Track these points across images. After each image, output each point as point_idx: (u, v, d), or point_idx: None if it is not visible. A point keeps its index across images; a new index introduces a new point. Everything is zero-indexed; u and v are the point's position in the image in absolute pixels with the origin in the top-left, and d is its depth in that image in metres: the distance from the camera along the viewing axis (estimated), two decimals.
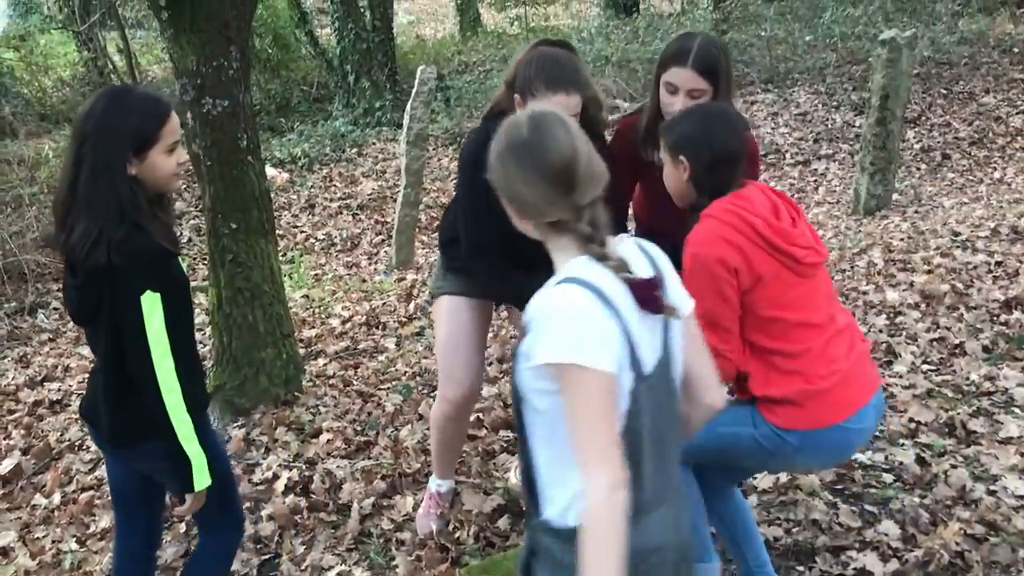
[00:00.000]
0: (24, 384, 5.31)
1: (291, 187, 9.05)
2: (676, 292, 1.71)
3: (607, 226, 1.61)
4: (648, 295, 1.57)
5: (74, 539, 3.39)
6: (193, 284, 6.66)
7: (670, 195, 2.32)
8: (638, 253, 1.69)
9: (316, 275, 6.75)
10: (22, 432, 4.59)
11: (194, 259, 7.32)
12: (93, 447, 4.25)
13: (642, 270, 1.63)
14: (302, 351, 4.61)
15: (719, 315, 2.10)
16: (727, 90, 2.60)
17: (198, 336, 5.59)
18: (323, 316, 5.57)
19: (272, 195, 6.82)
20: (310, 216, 8.42)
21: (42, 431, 4.56)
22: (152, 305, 2.02)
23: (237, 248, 3.89)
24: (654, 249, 1.74)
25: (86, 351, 5.74)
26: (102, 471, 3.93)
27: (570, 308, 1.51)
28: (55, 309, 6.42)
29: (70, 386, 5.21)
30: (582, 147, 1.58)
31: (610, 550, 1.43)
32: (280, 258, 4.60)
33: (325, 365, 4.65)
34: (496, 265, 2.59)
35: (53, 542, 3.40)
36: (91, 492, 3.71)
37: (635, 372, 1.54)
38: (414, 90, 6.63)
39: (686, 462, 2.15)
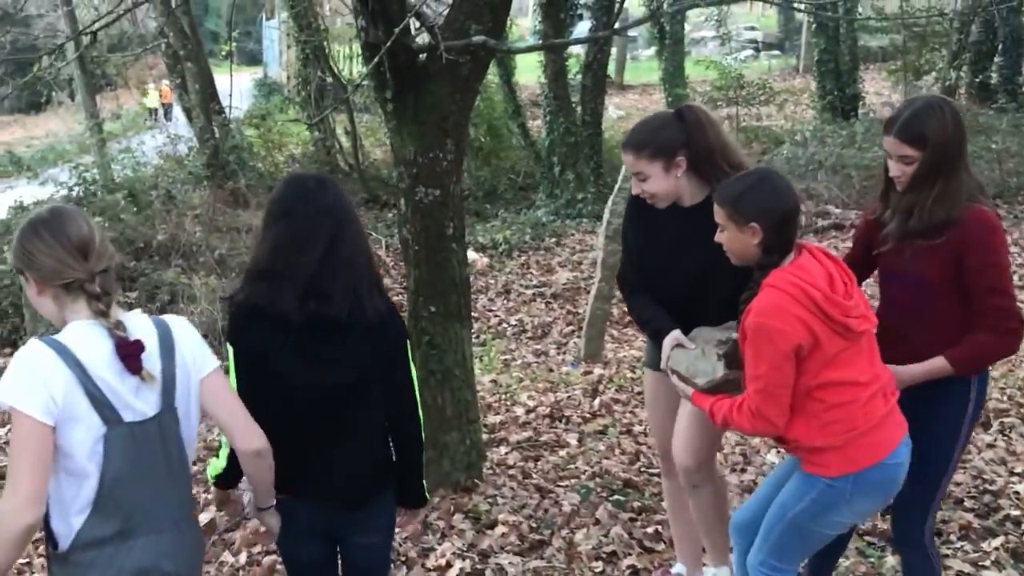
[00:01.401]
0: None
1: (490, 271, 9.28)
2: (184, 360, 2.02)
3: (114, 294, 1.97)
4: (126, 355, 1.89)
5: None
6: None
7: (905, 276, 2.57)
8: (149, 325, 2.02)
9: (505, 360, 6.82)
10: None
11: None
12: None
13: (142, 336, 1.95)
14: (485, 437, 4.62)
15: (773, 383, 2.28)
16: (947, 158, 2.46)
17: None
18: (508, 403, 5.60)
19: (471, 278, 7.01)
20: (505, 301, 8.58)
21: (238, 489, 4.79)
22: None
23: (434, 331, 3.99)
24: (176, 328, 2.06)
25: None
26: None
27: (23, 359, 1.85)
28: None
29: None
30: (95, 229, 1.97)
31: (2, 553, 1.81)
32: (472, 340, 4.67)
33: (507, 454, 4.64)
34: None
35: None
36: (274, 556, 3.83)
37: (105, 420, 1.88)
38: (617, 185, 6.67)
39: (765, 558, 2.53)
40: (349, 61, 19.01)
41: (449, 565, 3.49)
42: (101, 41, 9.62)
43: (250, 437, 2.11)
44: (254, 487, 2.26)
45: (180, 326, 2.10)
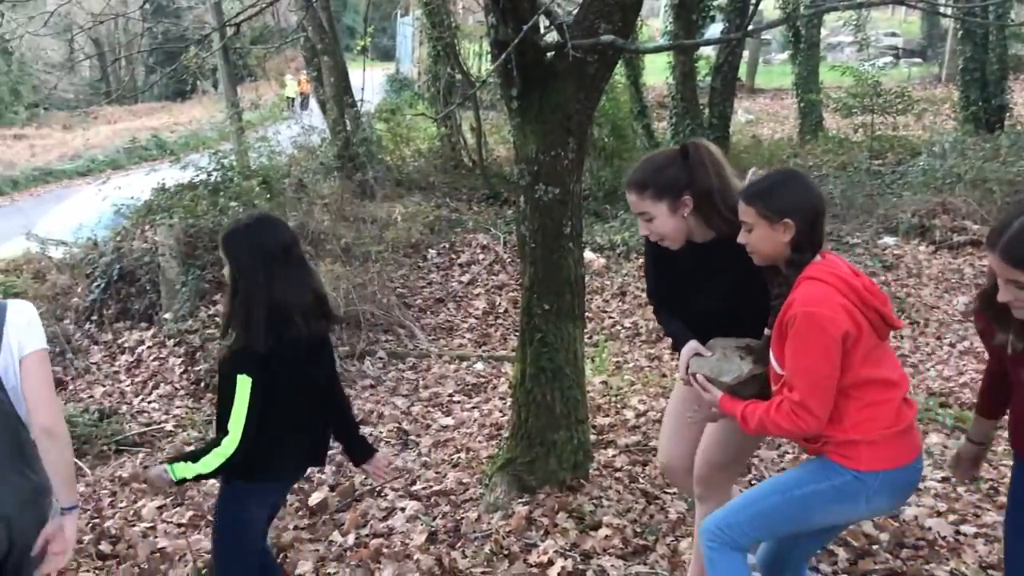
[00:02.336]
0: None
1: (606, 272, 9.24)
2: (9, 342, 2.31)
3: None
4: None
5: None
6: (501, 353, 6.96)
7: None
8: None
9: (617, 363, 6.78)
10: (333, 469, 4.98)
11: (507, 329, 7.66)
12: (390, 494, 4.52)
13: None
14: (593, 438, 4.61)
15: (821, 373, 2.25)
16: None
17: (499, 405, 5.82)
18: (618, 406, 5.56)
19: (587, 279, 7.00)
20: (620, 303, 8.52)
21: (349, 471, 4.92)
22: None
23: (547, 328, 4.00)
24: (9, 312, 2.35)
25: (400, 401, 6.16)
26: (393, 520, 4.15)
27: None
28: (380, 358, 6.98)
29: (380, 432, 5.60)
30: None
31: None
32: (585, 341, 4.66)
33: (614, 456, 4.61)
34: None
35: None
36: (381, 540, 3.92)
37: None
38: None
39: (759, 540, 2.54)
40: (478, 59, 19.26)
41: (551, 562, 3.49)
42: (244, 33, 10.05)
43: (52, 415, 2.37)
44: (51, 473, 2.40)
45: (15, 310, 2.39)
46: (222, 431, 2.71)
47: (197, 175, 9.08)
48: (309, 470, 5.03)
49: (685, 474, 3.07)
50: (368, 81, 13.38)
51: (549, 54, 3.85)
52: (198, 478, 2.79)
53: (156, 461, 5.49)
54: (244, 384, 2.66)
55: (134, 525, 4.49)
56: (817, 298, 2.26)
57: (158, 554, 4.08)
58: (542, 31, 4.00)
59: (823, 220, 2.37)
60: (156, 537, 4.29)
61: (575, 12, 4.01)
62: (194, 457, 2.77)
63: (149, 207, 8.84)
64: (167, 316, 7.59)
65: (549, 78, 3.82)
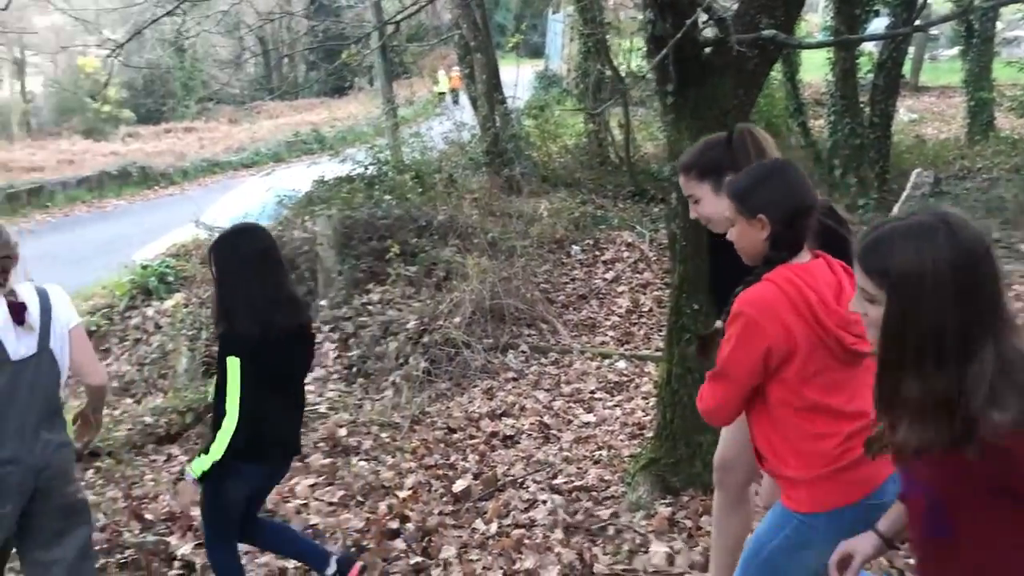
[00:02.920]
0: (486, 415, 5.89)
1: None
2: (54, 319, 2.96)
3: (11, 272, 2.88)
4: (14, 313, 2.83)
5: (501, 571, 3.64)
6: (644, 352, 6.90)
7: None
8: (33, 292, 2.96)
9: None
10: (477, 458, 5.07)
11: (651, 328, 7.59)
12: (532, 486, 4.57)
13: (28, 300, 2.90)
14: None
15: (733, 364, 2.16)
16: None
17: (641, 404, 5.78)
18: None
19: None
20: None
21: (493, 461, 5.00)
22: None
23: (695, 328, 3.93)
24: (52, 294, 3.01)
25: (542, 395, 6.21)
26: (535, 512, 4.19)
27: None
28: (523, 351, 7.05)
29: (523, 425, 5.66)
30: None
31: None
32: None
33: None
34: None
35: (484, 568, 3.69)
36: (522, 530, 3.97)
37: (1, 357, 2.80)
38: (905, 192, 6.27)
39: None
40: (628, 55, 19.12)
41: (692, 566, 3.45)
42: (401, 31, 10.34)
43: (100, 373, 3.22)
44: (94, 412, 3.24)
45: (55, 292, 3.05)
46: (221, 414, 3.06)
47: (354, 169, 9.42)
48: (453, 457, 5.18)
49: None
50: (518, 78, 13.52)
51: (707, 49, 3.80)
52: (213, 467, 3.08)
53: (309, 442, 5.74)
54: (233, 365, 3.02)
55: (288, 501, 4.71)
56: (757, 301, 2.14)
57: (311, 531, 4.26)
58: (699, 26, 3.95)
59: (805, 219, 2.19)
60: (308, 514, 4.49)
61: (733, 7, 3.95)
62: (206, 450, 3.11)
63: (309, 198, 9.24)
64: (323, 303, 7.91)
65: (707, 73, 3.77)
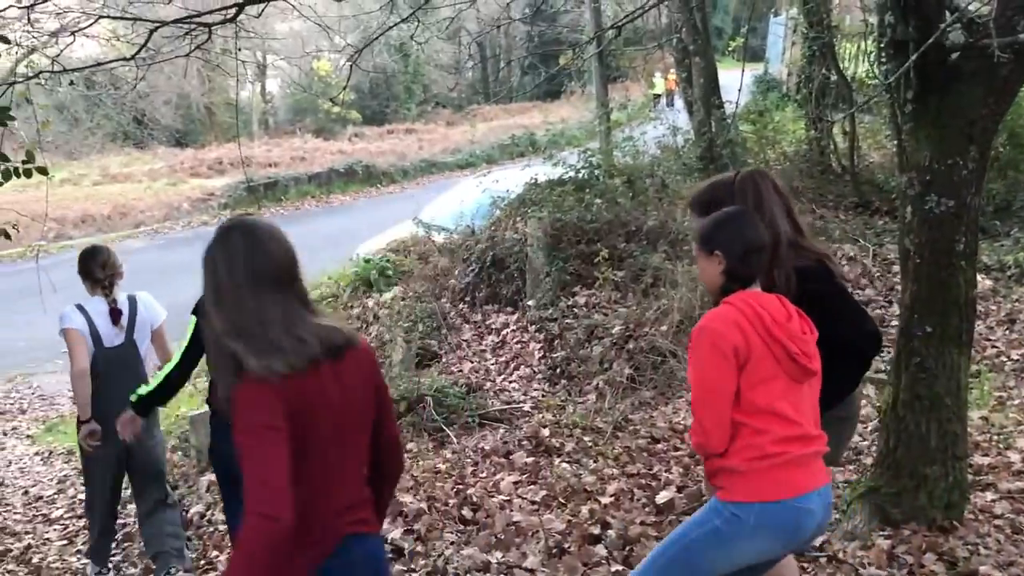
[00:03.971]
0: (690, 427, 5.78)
1: (992, 296, 8.31)
2: (142, 320, 4.45)
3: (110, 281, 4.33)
4: (113, 316, 4.32)
5: None
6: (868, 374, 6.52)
7: None
8: (125, 298, 4.40)
9: (1000, 398, 6.07)
10: (680, 471, 4.99)
11: None
12: None
13: (123, 305, 4.38)
14: (970, 478, 4.17)
15: (710, 385, 2.40)
16: None
17: (858, 428, 5.46)
18: (1000, 446, 4.99)
19: None
20: (1007, 332, 7.62)
21: (697, 475, 4.90)
22: None
23: (926, 353, 3.69)
24: (140, 299, 4.47)
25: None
26: None
27: (67, 310, 4.29)
28: None
29: None
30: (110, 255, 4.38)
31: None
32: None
33: (993, 501, 4.14)
34: None
35: None
36: None
37: (95, 344, 4.26)
38: None
39: None
40: (854, 60, 18.18)
41: None
42: (619, 35, 10.31)
43: (168, 357, 4.34)
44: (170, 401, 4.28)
45: (142, 298, 4.50)
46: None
47: (566, 172, 9.50)
48: (656, 468, 5.12)
49: None
50: (736, 82, 13.19)
51: (954, 54, 3.54)
52: (149, 395, 3.87)
53: (514, 439, 5.85)
54: (191, 322, 3.74)
55: (493, 496, 4.82)
56: (713, 315, 2.49)
57: (513, 527, 4.34)
58: (946, 29, 3.68)
59: (756, 255, 2.52)
60: (512, 511, 4.57)
61: (979, 8, 3.66)
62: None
63: (521, 200, 9.40)
64: (531, 303, 8.04)
65: (952, 80, 3.51)
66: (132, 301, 4.42)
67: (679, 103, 14.86)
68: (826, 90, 12.82)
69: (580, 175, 9.54)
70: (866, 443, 5.15)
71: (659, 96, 24.52)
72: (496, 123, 33.04)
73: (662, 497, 4.54)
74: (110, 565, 4.88)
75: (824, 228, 9.56)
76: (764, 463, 2.38)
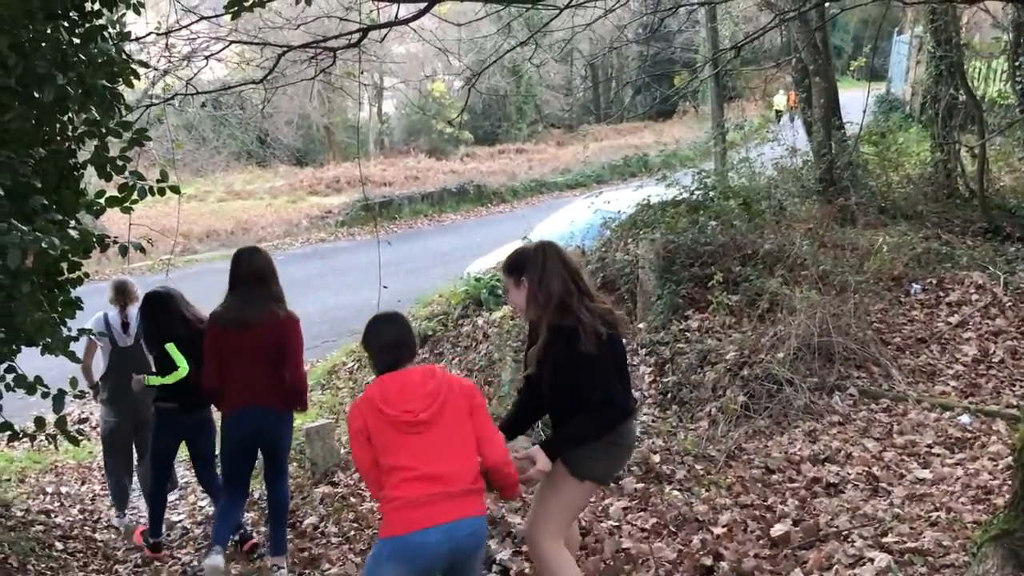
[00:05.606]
0: (807, 458, 5.59)
1: None
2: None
3: (124, 303, 6.18)
4: (123, 326, 6.11)
5: None
6: (993, 408, 6.21)
7: None
8: (135, 315, 6.00)
9: None
10: (796, 503, 4.83)
11: (1002, 382, 6.81)
12: (859, 541, 4.26)
13: (132, 317, 6.11)
14: None
15: (357, 457, 3.32)
16: None
17: (988, 466, 5.19)
18: None
19: None
20: None
21: (814, 509, 4.73)
22: None
23: None
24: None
25: (871, 444, 5.79)
26: (862, 570, 3.90)
27: (99, 315, 6.14)
28: (850, 394, 6.62)
29: (848, 473, 5.31)
30: (129, 284, 6.26)
31: None
32: None
33: None
34: None
35: None
36: None
37: (111, 344, 6.08)
38: None
39: None
40: (984, 79, 17.40)
41: None
42: (738, 56, 10.14)
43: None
44: None
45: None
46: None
47: (680, 193, 9.39)
48: (771, 499, 4.97)
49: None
50: (855, 102, 12.78)
51: None
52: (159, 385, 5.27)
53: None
54: (172, 349, 5.19)
55: (602, 521, 4.77)
56: (350, 407, 3.51)
57: (623, 554, 4.28)
58: None
59: (390, 352, 3.39)
60: (621, 537, 4.51)
61: None
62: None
63: (633, 221, 9.33)
64: (641, 326, 7.95)
65: None
66: (138, 314, 5.89)
67: (798, 122, 14.51)
68: (953, 110, 12.32)
69: (694, 196, 9.41)
70: (997, 482, 4.89)
71: (781, 112, 24.10)
72: (606, 143, 33.01)
73: (777, 530, 4.40)
74: (125, 512, 6.51)
75: (950, 254, 9.16)
76: (391, 506, 3.15)
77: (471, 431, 3.26)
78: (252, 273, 4.83)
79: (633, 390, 7.14)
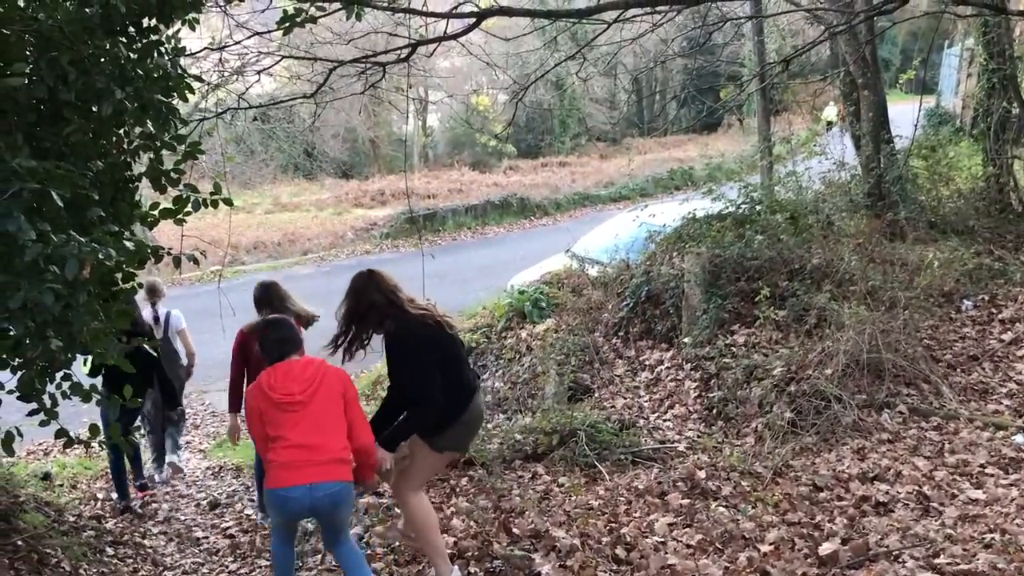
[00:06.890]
0: (856, 476, 5.51)
1: None
2: (172, 325, 7.48)
3: (154, 301, 7.40)
4: (155, 321, 7.27)
5: None
6: None
7: None
8: (164, 313, 7.45)
9: None
10: (845, 522, 4.75)
11: None
12: (909, 562, 4.19)
13: (161, 313, 7.43)
14: None
15: (251, 429, 4.36)
16: None
17: None
18: None
19: None
20: None
21: (863, 528, 4.66)
22: None
23: None
24: (174, 316, 7.48)
25: (921, 463, 5.69)
26: None
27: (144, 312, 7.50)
28: (900, 412, 6.51)
29: (898, 492, 5.23)
30: (157, 284, 7.55)
31: None
32: None
33: None
34: None
35: None
36: None
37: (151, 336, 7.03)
38: None
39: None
40: None
41: None
42: (786, 70, 10.06)
43: (191, 352, 7.60)
44: (190, 366, 7.67)
45: (174, 312, 7.44)
46: None
47: (726, 207, 9.32)
48: (818, 517, 4.89)
49: None
50: (904, 115, 12.60)
51: None
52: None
53: (668, 479, 5.74)
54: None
55: (647, 537, 4.74)
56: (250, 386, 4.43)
57: (668, 570, 4.25)
58: None
59: (279, 346, 4.39)
60: (667, 553, 4.48)
61: None
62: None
63: (679, 235, 9.28)
64: (686, 340, 7.90)
65: None
66: (167, 314, 7.38)
67: (846, 136, 14.34)
68: (1006, 124, 12.10)
69: (740, 210, 9.34)
70: None
71: (831, 124, 23.92)
72: (650, 156, 32.89)
73: (825, 549, 4.34)
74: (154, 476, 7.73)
75: (1003, 270, 8.98)
76: (270, 466, 4.08)
77: (343, 414, 4.15)
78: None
79: (678, 405, 7.10)
